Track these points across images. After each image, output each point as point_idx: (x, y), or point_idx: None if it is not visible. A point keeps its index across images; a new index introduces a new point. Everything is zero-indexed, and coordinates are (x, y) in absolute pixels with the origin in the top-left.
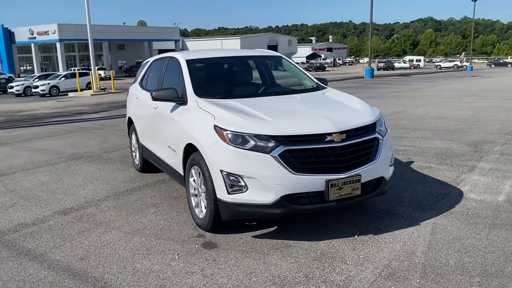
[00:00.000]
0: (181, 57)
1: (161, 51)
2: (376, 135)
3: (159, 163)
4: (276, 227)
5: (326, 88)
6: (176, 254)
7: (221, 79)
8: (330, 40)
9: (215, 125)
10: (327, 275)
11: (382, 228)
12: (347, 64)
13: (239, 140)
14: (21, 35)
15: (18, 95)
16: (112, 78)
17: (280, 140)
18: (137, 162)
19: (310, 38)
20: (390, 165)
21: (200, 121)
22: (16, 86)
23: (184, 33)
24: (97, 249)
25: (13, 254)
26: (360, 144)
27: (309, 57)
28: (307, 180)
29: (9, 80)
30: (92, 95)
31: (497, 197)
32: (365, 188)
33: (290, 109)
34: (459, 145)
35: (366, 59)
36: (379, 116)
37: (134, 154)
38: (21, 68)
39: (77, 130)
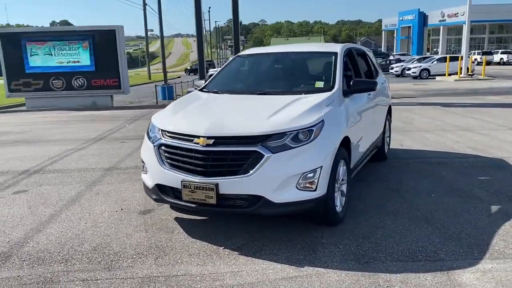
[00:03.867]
0: (241, 52)
1: None
2: (258, 148)
3: None
4: (207, 218)
5: (322, 93)
6: (120, 209)
7: (238, 74)
8: None
9: None
10: (116, 263)
11: (261, 253)
12: None
13: (149, 129)
14: (433, 18)
15: (397, 76)
16: (484, 64)
17: (164, 134)
18: None
19: None
20: (302, 189)
21: None
22: (395, 67)
23: None
24: (90, 197)
25: (75, 181)
26: (228, 153)
27: None
28: (168, 175)
29: (396, 61)
30: (455, 80)
31: None
32: (228, 200)
33: (215, 109)
34: None
35: None
36: (285, 130)
37: None
38: (434, 50)
39: None
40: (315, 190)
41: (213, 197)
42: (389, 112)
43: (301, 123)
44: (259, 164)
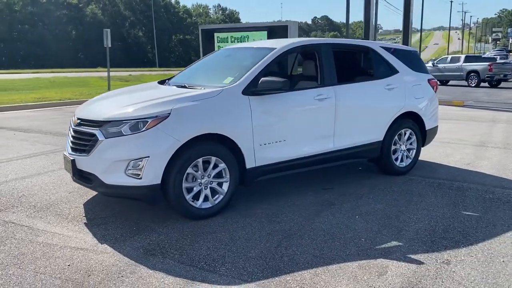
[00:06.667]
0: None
1: None
2: (97, 132)
3: None
4: None
5: (211, 89)
6: None
7: (197, 67)
8: None
9: None
10: (13, 208)
11: (99, 226)
12: None
13: None
14: None
15: None
16: None
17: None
18: None
19: None
20: (130, 176)
21: None
22: None
23: None
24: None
25: None
26: (82, 134)
27: None
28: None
29: None
30: None
31: None
32: (85, 175)
33: (118, 96)
34: None
35: None
36: (122, 118)
37: None
38: None
39: None
40: (140, 178)
41: (71, 170)
42: (416, 121)
43: (139, 114)
44: (95, 146)
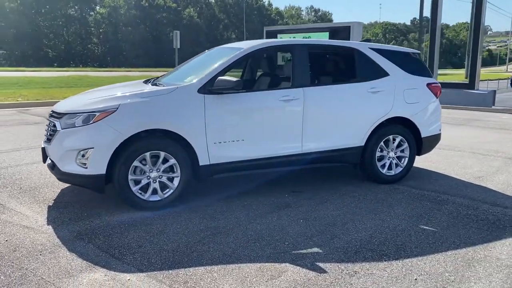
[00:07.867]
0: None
1: None
2: (57, 123)
3: None
4: None
5: (169, 87)
6: None
7: (184, 66)
8: None
9: None
10: (2, 188)
11: (59, 210)
12: None
13: None
14: None
15: None
16: None
17: None
18: None
19: None
20: (79, 165)
21: None
22: None
23: None
24: None
25: None
26: (50, 124)
27: None
28: None
29: None
30: None
31: None
32: (52, 162)
33: (104, 91)
34: None
35: None
36: (76, 111)
37: None
38: None
39: None
40: (86, 167)
41: (42, 157)
42: (410, 127)
43: (90, 107)
44: (54, 136)
